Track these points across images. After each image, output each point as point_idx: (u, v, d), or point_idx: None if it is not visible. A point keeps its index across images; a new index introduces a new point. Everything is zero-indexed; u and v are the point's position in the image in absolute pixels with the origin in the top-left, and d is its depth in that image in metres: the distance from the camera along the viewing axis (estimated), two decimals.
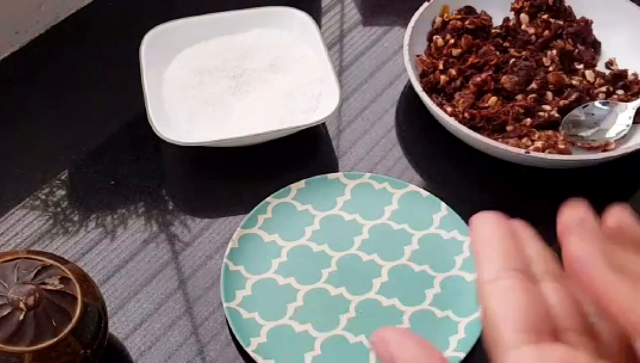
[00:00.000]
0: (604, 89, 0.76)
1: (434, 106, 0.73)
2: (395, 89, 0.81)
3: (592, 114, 0.75)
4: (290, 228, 0.70)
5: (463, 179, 0.75)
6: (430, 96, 0.75)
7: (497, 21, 0.82)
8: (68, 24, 0.87)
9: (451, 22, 0.80)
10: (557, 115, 0.74)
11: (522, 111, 0.74)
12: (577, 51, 0.79)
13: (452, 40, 0.80)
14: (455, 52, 0.79)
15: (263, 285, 0.66)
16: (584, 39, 0.81)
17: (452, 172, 0.75)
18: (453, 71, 0.77)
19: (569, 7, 0.82)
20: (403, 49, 0.77)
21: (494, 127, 0.74)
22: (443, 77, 0.77)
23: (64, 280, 0.56)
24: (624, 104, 0.75)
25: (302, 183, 0.72)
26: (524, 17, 0.81)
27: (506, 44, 0.81)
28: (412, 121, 0.79)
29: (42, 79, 0.82)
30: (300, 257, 0.68)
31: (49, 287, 0.55)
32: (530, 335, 0.31)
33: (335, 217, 0.71)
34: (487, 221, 0.37)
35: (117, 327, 0.65)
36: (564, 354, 0.31)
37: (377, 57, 0.84)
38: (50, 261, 0.57)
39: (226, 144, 0.73)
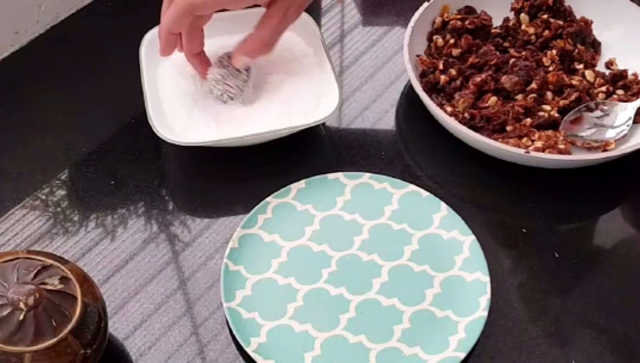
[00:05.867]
0: (603, 89, 0.76)
1: (434, 106, 0.73)
2: (395, 89, 0.82)
3: (592, 115, 0.75)
4: (290, 228, 0.70)
5: (463, 179, 0.75)
6: (430, 96, 0.75)
7: (497, 21, 0.82)
8: (68, 24, 0.87)
9: (451, 22, 0.80)
10: (557, 115, 0.75)
11: (522, 111, 0.74)
12: (577, 50, 0.79)
13: (452, 41, 0.80)
14: (455, 52, 0.79)
15: (263, 285, 0.66)
16: (584, 39, 0.81)
17: (452, 172, 0.75)
18: (453, 71, 0.77)
19: (569, 7, 0.82)
20: (403, 49, 0.77)
21: (494, 127, 0.74)
22: (443, 77, 0.77)
23: (64, 280, 0.56)
24: (624, 104, 0.75)
25: (302, 183, 0.72)
26: (524, 17, 0.81)
27: (506, 44, 0.81)
28: (412, 121, 0.79)
29: (42, 79, 0.82)
30: (300, 257, 0.68)
31: (49, 287, 0.55)
32: None
33: (335, 217, 0.71)
34: None
35: (117, 327, 0.65)
36: None
37: (377, 57, 0.84)
38: (50, 261, 0.57)
39: (226, 144, 0.73)
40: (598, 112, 0.75)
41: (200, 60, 0.73)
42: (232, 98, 0.74)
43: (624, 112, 0.75)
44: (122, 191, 0.73)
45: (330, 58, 0.76)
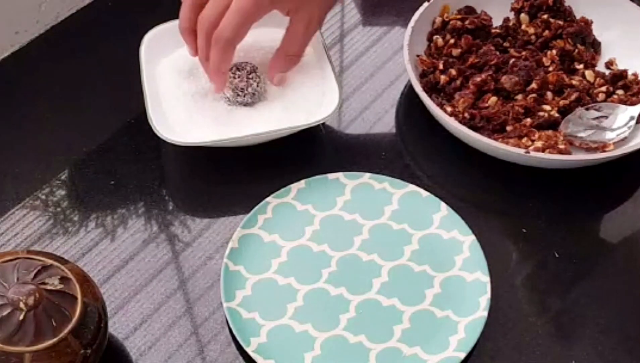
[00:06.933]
0: (603, 89, 0.76)
1: (434, 106, 0.73)
2: (395, 89, 0.82)
3: (592, 115, 0.75)
4: (290, 228, 0.70)
5: (463, 179, 0.75)
6: (430, 96, 0.75)
7: (497, 21, 0.82)
8: (68, 24, 0.87)
9: (451, 22, 0.80)
10: (557, 115, 0.75)
11: (522, 111, 0.74)
12: (577, 50, 0.79)
13: (452, 41, 0.80)
14: (455, 52, 0.79)
15: (263, 285, 0.66)
16: (584, 39, 0.81)
17: (452, 172, 0.75)
18: (453, 71, 0.77)
19: (569, 7, 0.82)
20: (403, 49, 0.77)
21: (494, 127, 0.74)
22: (443, 77, 0.77)
23: (64, 280, 0.56)
24: (624, 106, 0.75)
25: (302, 183, 0.72)
26: (524, 17, 0.81)
27: (506, 44, 0.81)
28: (412, 121, 0.79)
29: (42, 79, 0.82)
30: (300, 257, 0.68)
31: (49, 287, 0.55)
32: None
33: (335, 217, 0.71)
34: None
35: (117, 327, 0.65)
36: None
37: (377, 57, 0.84)
38: (50, 261, 0.57)
39: (226, 144, 0.73)
40: (598, 113, 0.75)
41: (225, 77, 0.73)
42: (252, 101, 0.75)
43: (624, 113, 0.75)
44: (122, 191, 0.73)
45: (330, 58, 0.76)
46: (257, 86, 0.74)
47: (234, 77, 0.74)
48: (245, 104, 0.75)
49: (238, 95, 0.74)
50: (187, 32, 0.72)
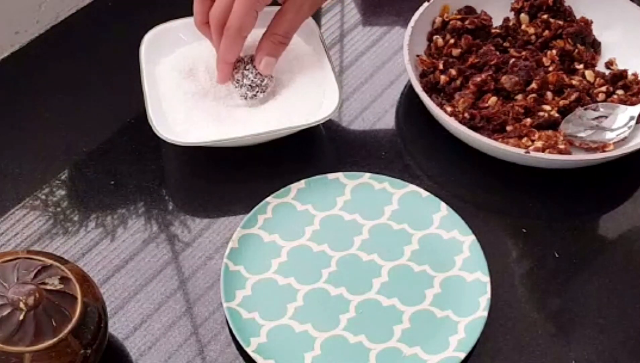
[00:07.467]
0: (603, 89, 0.76)
1: (434, 106, 0.73)
2: (395, 89, 0.82)
3: (592, 115, 0.75)
4: (290, 228, 0.70)
5: (463, 179, 0.75)
6: (430, 96, 0.75)
7: (497, 21, 0.82)
8: (68, 24, 0.87)
9: (451, 22, 0.80)
10: (557, 115, 0.75)
11: (522, 111, 0.74)
12: (577, 50, 0.79)
13: (452, 41, 0.80)
14: (455, 52, 0.79)
15: (263, 285, 0.66)
16: (584, 39, 0.81)
17: (452, 172, 0.75)
18: (453, 71, 0.77)
19: (569, 7, 0.82)
20: (403, 49, 0.77)
21: (494, 127, 0.74)
22: (443, 77, 0.77)
23: (64, 280, 0.56)
24: (624, 106, 0.75)
25: (302, 183, 0.72)
26: (524, 17, 0.81)
27: (506, 44, 0.81)
28: (412, 121, 0.79)
29: (42, 79, 0.82)
30: (300, 257, 0.68)
31: (49, 287, 0.55)
32: None
33: (335, 217, 0.71)
34: None
35: (117, 327, 0.65)
36: None
37: (377, 57, 0.84)
38: (50, 261, 0.57)
39: (226, 144, 0.73)
40: (598, 113, 0.75)
41: (229, 69, 0.74)
42: (255, 96, 0.75)
43: (624, 113, 0.75)
44: (122, 191, 0.73)
45: (330, 58, 0.76)
46: (255, 77, 0.73)
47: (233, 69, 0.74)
48: (250, 98, 0.74)
49: (235, 87, 0.74)
50: (201, 25, 0.74)
